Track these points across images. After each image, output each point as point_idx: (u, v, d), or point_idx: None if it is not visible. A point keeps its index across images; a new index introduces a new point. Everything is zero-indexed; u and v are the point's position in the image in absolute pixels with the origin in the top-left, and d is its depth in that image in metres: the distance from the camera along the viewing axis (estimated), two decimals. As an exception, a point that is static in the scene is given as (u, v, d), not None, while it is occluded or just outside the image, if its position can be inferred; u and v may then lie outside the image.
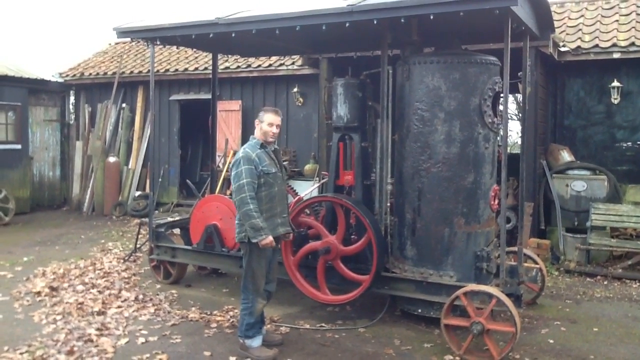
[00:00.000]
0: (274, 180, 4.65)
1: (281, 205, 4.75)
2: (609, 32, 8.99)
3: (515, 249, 5.95)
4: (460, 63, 5.22)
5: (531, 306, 6.04)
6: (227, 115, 11.58)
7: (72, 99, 14.36)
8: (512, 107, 19.68)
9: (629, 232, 8.08)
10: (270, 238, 4.53)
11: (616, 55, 8.64)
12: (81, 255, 8.27)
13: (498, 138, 5.51)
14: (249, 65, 11.24)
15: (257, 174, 4.54)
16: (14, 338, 4.98)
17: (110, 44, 15.17)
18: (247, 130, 11.31)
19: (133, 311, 5.71)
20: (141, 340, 4.97)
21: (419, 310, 5.34)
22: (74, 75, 13.32)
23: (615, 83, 8.86)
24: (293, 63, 10.72)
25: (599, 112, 9.25)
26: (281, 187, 4.75)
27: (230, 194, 6.51)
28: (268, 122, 4.68)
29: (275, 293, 5.03)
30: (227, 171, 10.56)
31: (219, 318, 5.56)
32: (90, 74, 13.11)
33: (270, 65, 11.02)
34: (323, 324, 5.45)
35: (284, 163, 10.09)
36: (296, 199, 6.54)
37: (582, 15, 9.78)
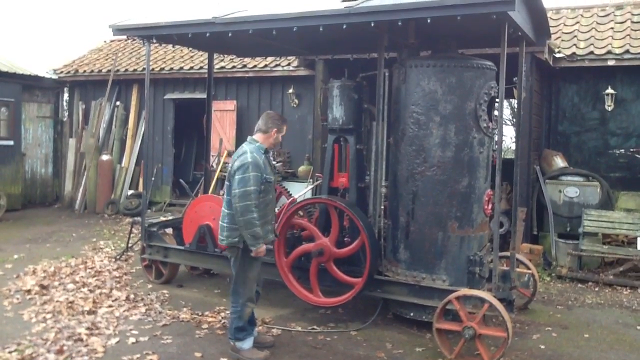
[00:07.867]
0: (270, 187, 4.66)
1: (272, 212, 4.77)
2: (604, 39, 9.04)
3: (507, 253, 5.96)
4: (457, 67, 5.23)
5: (523, 311, 6.05)
6: (222, 115, 11.54)
7: (65, 95, 14.28)
8: (507, 112, 19.69)
9: (620, 239, 8.11)
10: (264, 247, 4.56)
11: (611, 63, 8.69)
12: (72, 253, 8.22)
13: (493, 143, 5.53)
14: (245, 66, 11.23)
15: (261, 181, 4.51)
16: (3, 336, 4.94)
17: (105, 41, 15.09)
18: (241, 131, 11.29)
19: (124, 311, 5.67)
20: (132, 340, 4.93)
21: (411, 314, 5.34)
22: (68, 72, 13.25)
23: (610, 90, 8.91)
24: (289, 64, 10.70)
25: (592, 119, 9.29)
26: (273, 193, 4.76)
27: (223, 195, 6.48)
28: (283, 133, 4.76)
29: (267, 294, 5.02)
30: (221, 171, 10.53)
31: (210, 319, 5.53)
32: (85, 71, 13.04)
33: (265, 65, 11.00)
34: (315, 327, 5.43)
35: (278, 165, 10.06)
36: (290, 200, 6.52)
37: (578, 22, 9.83)
